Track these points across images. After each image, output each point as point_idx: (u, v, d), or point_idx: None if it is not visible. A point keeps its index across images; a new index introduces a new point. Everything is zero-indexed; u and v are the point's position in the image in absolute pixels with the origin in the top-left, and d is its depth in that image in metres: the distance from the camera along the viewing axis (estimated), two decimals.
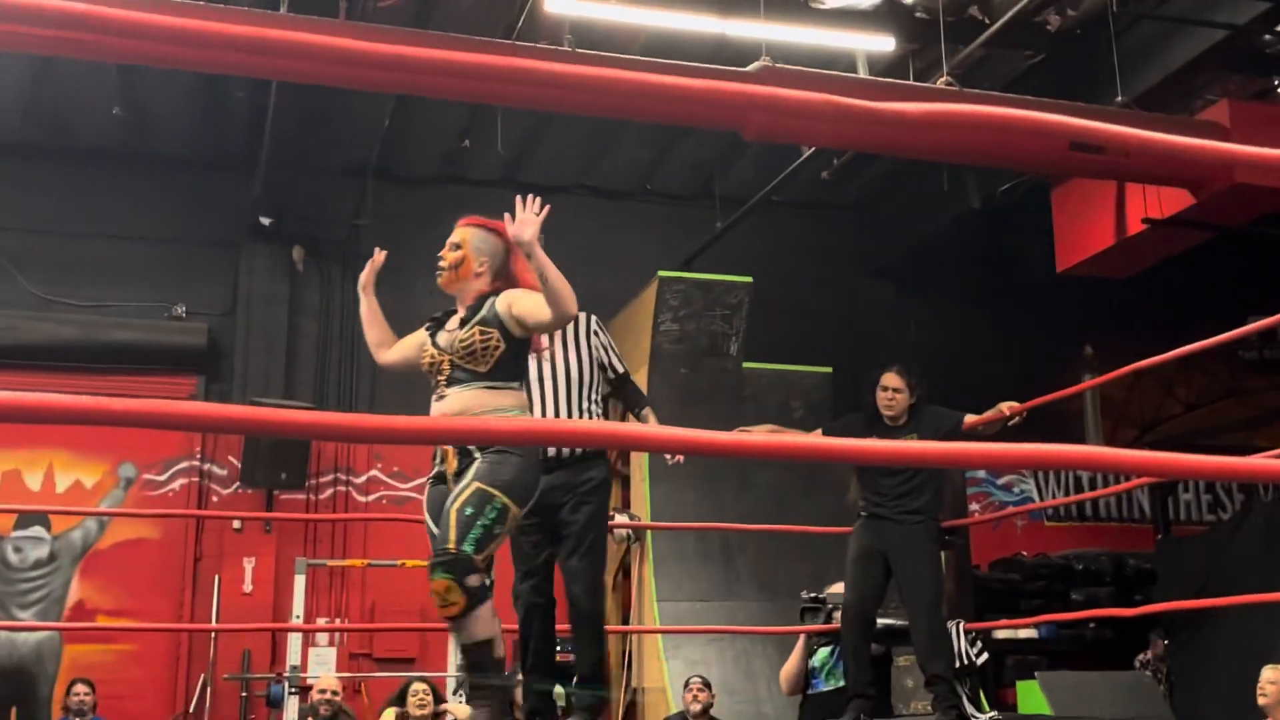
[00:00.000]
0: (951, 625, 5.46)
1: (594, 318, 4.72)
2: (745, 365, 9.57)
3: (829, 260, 11.22)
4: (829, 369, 9.82)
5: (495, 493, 3.55)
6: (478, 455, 3.63)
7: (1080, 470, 11.54)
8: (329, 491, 9.77)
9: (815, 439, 1.58)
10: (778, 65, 6.62)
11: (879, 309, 11.19)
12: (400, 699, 6.88)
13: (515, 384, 3.80)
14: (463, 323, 3.81)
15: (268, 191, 9.38)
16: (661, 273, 9.34)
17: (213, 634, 8.94)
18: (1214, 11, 7.22)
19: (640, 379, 9.39)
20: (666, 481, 8.85)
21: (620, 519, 9.03)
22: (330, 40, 1.41)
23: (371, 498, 9.83)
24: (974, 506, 10.96)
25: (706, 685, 7.05)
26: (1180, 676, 8.74)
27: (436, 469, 3.80)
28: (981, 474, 11.31)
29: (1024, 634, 9.74)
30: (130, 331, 9.54)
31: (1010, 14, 7.57)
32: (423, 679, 7.08)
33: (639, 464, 9.21)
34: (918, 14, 8.04)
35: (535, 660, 4.45)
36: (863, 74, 7.85)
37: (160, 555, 9.35)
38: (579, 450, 4.45)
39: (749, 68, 6.52)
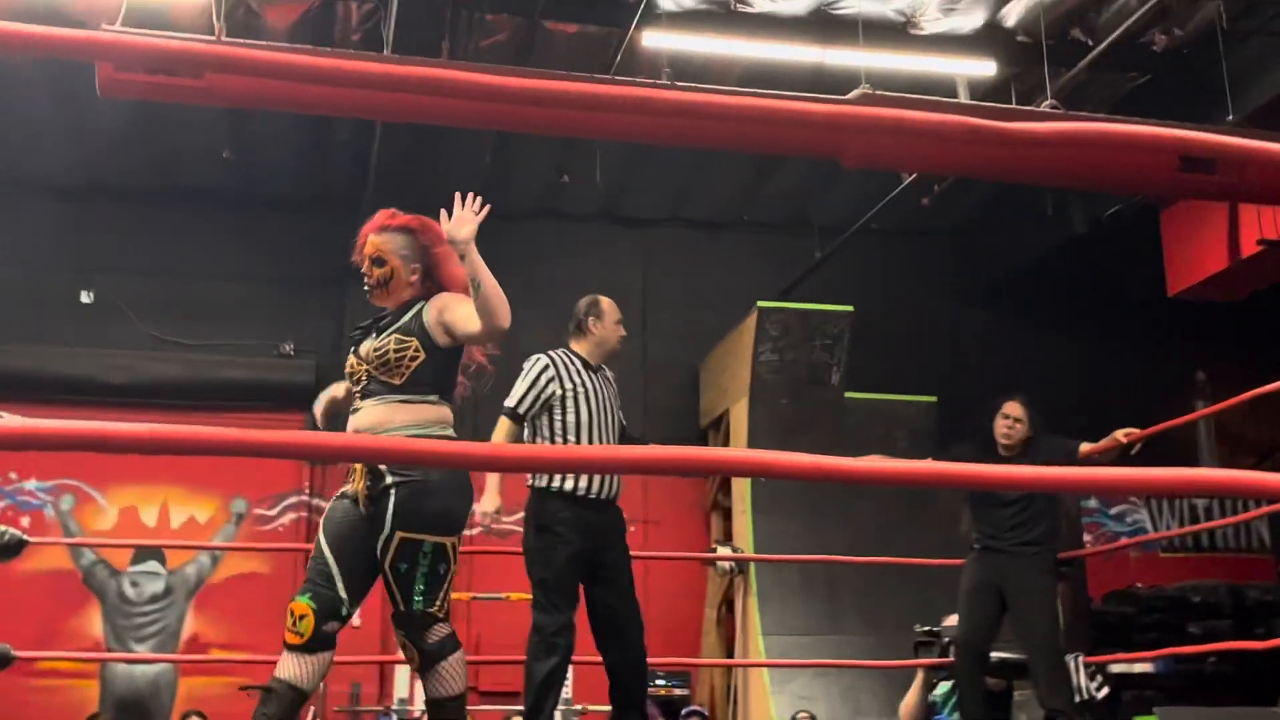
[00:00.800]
0: (1070, 659, 5.33)
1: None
2: (847, 395, 9.48)
3: (931, 287, 11.10)
4: (933, 398, 9.69)
5: (421, 538, 3.31)
6: (389, 478, 3.33)
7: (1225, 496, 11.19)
8: None
9: (936, 465, 1.54)
10: (878, 92, 6.58)
11: (983, 336, 11.02)
12: None
13: (433, 397, 3.45)
14: (382, 330, 3.50)
15: None
16: (760, 303, 9.32)
17: None
18: None
19: (741, 410, 9.39)
20: (769, 513, 8.80)
21: (723, 551, 8.99)
22: (482, 77, 1.43)
23: (475, 531, 9.87)
24: (1086, 537, 10.70)
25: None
26: None
27: (345, 486, 3.48)
28: (1093, 504, 11.05)
29: (1139, 668, 9.45)
30: (240, 369, 9.77)
31: (1115, 35, 7.45)
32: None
33: (741, 496, 9.16)
34: (1019, 37, 7.95)
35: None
36: (964, 99, 7.76)
37: (271, 589, 9.50)
38: (617, 491, 4.52)
39: (849, 95, 6.49)
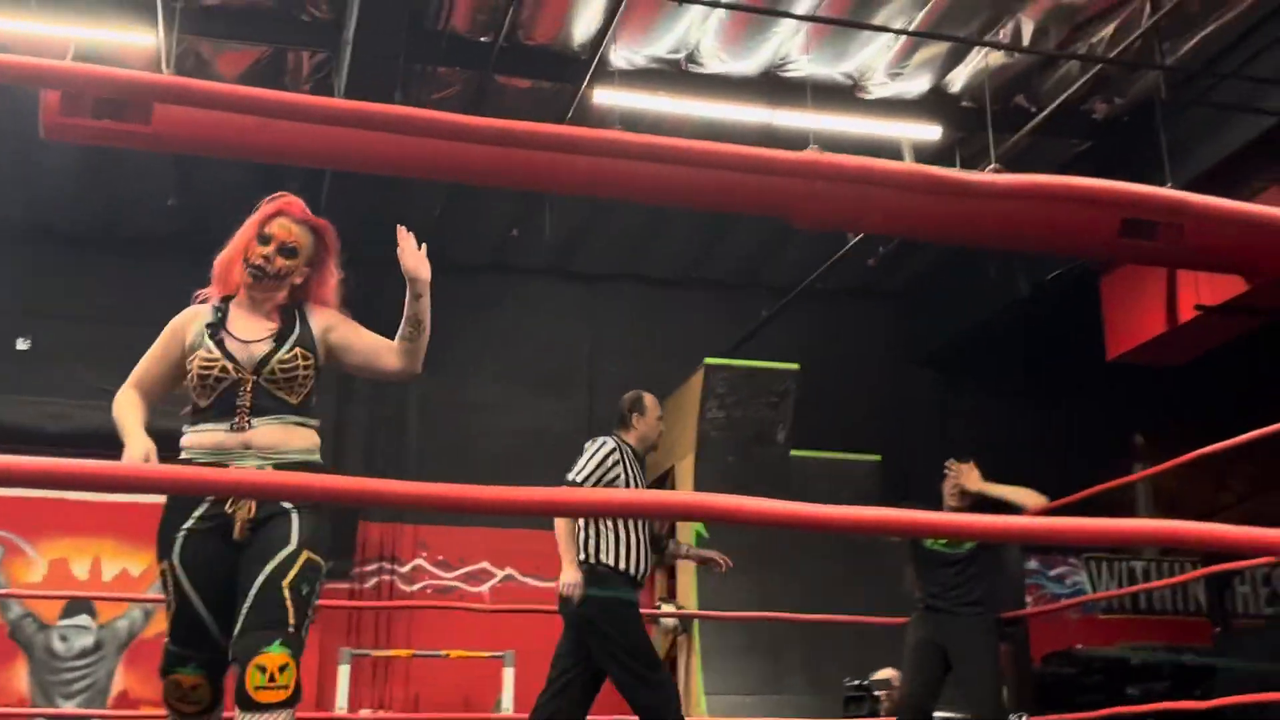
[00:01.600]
0: (1014, 719, 5.33)
1: None
2: (793, 453, 9.50)
3: (877, 348, 11.19)
4: (878, 457, 9.74)
5: (321, 562, 2.95)
6: (287, 504, 2.96)
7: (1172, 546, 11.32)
8: (373, 581, 9.73)
9: (895, 511, 1.53)
10: (826, 153, 6.66)
11: (929, 396, 11.12)
12: None
13: (318, 421, 3.17)
14: (279, 339, 3.14)
15: None
16: (708, 360, 9.34)
17: None
18: (1264, 99, 7.22)
19: (686, 466, 9.37)
20: (714, 572, 8.75)
21: (667, 609, 8.93)
22: (442, 116, 1.42)
23: (416, 587, 9.78)
24: (1026, 599, 10.75)
25: None
26: None
27: (208, 510, 2.99)
28: (1034, 565, 11.12)
29: None
30: (179, 420, 9.60)
31: (1057, 102, 7.61)
32: None
33: None
34: (964, 103, 8.10)
35: None
36: (909, 162, 7.88)
37: None
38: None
39: (799, 155, 6.56)
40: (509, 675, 8.00)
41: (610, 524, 4.61)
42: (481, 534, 9.66)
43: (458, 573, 9.80)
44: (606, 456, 4.66)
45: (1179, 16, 7.20)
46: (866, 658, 7.76)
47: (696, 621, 8.65)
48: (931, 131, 7.99)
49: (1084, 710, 8.72)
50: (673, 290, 10.89)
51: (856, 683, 6.04)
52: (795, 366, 9.53)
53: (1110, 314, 8.91)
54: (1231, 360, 9.26)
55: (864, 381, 10.97)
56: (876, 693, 5.81)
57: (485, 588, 9.81)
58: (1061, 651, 10.33)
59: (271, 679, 2.76)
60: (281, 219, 3.30)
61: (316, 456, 3.12)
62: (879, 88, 7.94)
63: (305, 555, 2.90)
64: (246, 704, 2.76)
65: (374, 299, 10.99)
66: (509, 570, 9.87)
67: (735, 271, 10.79)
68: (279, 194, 3.36)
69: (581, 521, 4.65)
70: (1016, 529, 1.65)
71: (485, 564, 9.87)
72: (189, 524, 3.01)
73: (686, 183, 6.49)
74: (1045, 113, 7.69)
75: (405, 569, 9.82)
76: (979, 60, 7.70)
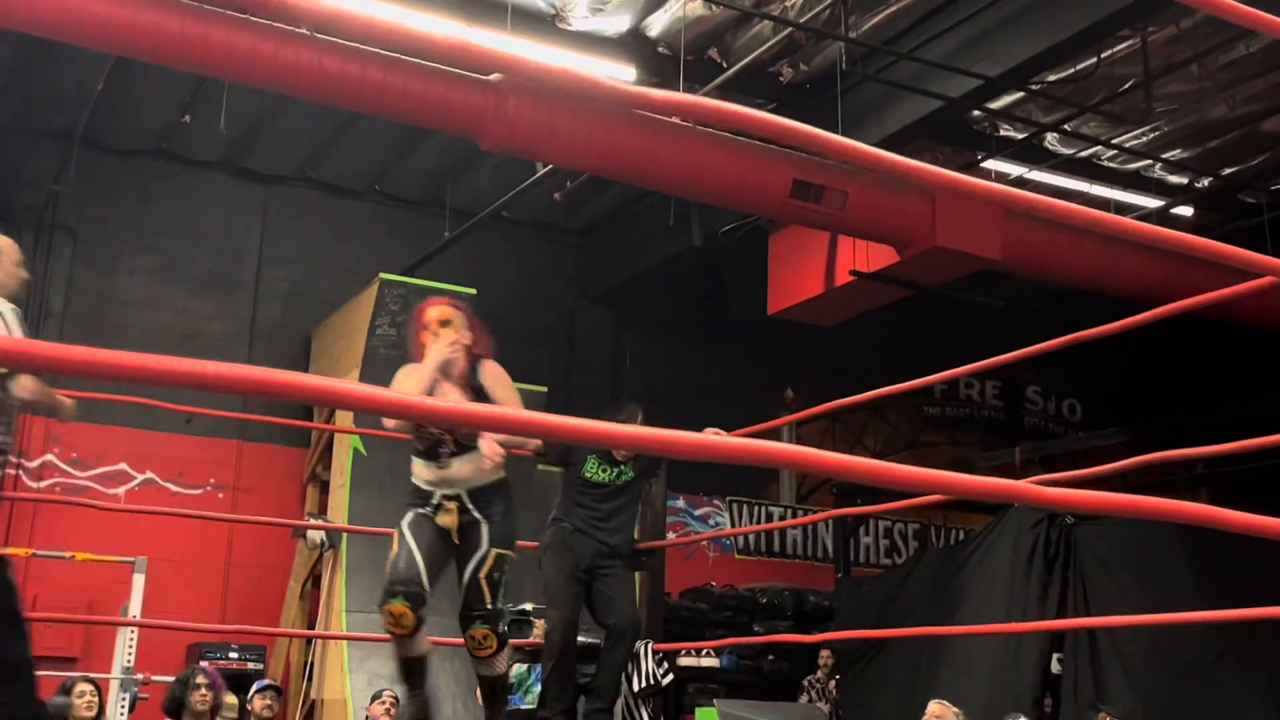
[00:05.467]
0: (641, 645, 5.54)
1: None
2: None
3: (554, 282, 11.30)
4: (544, 388, 9.85)
5: (509, 554, 4.35)
6: (480, 516, 4.30)
7: (789, 468, 11.96)
8: None
9: (556, 419, 1.55)
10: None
11: (599, 334, 11.33)
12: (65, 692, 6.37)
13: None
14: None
15: None
16: (383, 275, 9.16)
17: None
18: (931, 81, 7.69)
19: (351, 380, 9.18)
20: (367, 489, 8.66)
21: (315, 523, 8.77)
22: None
23: (44, 484, 9.15)
24: (670, 535, 11.20)
25: (399, 700, 6.89)
26: (849, 709, 9.18)
27: (431, 509, 4.35)
28: (680, 504, 11.58)
29: (706, 663, 10.01)
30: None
31: (746, 60, 7.86)
32: (87, 679, 6.60)
33: (340, 469, 8.98)
34: (660, 48, 8.23)
35: None
36: None
37: None
38: None
39: (490, 76, 6.49)
40: (139, 582, 7.61)
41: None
42: (122, 433, 9.14)
43: (93, 472, 9.23)
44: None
45: None
46: (521, 585, 7.86)
47: (345, 537, 8.53)
48: (626, 72, 8.07)
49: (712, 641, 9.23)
50: (354, 201, 10.59)
51: (520, 608, 6.14)
52: (472, 291, 9.48)
53: (774, 271, 9.31)
54: (880, 326, 9.91)
55: (539, 313, 11.06)
56: (535, 619, 5.93)
57: (122, 490, 9.29)
58: (698, 587, 10.86)
59: (479, 646, 4.31)
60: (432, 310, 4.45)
61: (502, 473, 4.36)
62: (580, 21, 7.95)
63: (494, 552, 4.30)
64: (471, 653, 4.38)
65: (18, 169, 10.09)
66: (149, 474, 9.38)
67: (422, 190, 10.61)
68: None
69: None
70: (659, 440, 1.69)
71: (123, 465, 9.33)
72: (426, 508, 4.41)
73: (377, 87, 6.29)
74: (735, 69, 7.92)
75: (34, 464, 9.16)
76: (678, 8, 7.83)
